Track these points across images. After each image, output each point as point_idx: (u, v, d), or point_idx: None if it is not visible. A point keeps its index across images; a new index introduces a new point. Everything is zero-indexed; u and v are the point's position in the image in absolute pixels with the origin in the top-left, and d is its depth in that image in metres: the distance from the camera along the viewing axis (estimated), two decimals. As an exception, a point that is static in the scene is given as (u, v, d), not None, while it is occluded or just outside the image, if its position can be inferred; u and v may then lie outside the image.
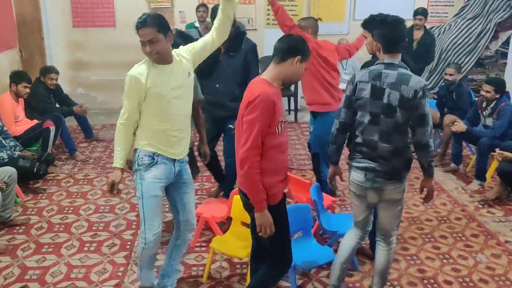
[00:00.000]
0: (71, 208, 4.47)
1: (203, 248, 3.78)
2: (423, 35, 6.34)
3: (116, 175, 2.84)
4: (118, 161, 2.82)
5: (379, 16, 2.84)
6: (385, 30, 2.75)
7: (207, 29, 6.64)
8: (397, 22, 2.75)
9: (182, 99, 2.84)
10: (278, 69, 2.54)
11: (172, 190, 3.00)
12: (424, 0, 8.06)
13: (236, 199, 3.48)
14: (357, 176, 2.84)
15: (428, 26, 8.03)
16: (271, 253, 2.70)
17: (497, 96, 4.87)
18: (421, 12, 6.39)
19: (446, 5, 8.20)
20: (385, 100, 2.68)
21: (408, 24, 6.51)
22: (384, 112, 2.70)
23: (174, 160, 2.89)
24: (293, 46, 2.52)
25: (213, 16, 3.50)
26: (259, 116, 2.39)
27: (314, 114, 4.42)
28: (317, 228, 3.69)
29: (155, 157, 2.82)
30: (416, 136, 2.71)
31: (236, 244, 3.35)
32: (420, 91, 2.62)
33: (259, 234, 2.54)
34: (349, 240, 3.05)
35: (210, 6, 7.20)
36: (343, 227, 3.38)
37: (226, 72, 3.96)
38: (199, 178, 4.96)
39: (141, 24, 2.67)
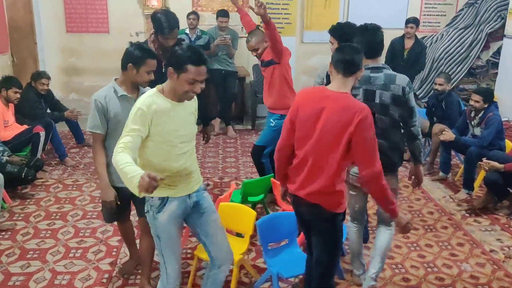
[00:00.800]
0: (59, 214, 4.47)
1: (188, 255, 3.78)
2: (413, 43, 6.44)
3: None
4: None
5: (349, 25, 3.08)
6: (367, 37, 2.92)
7: (197, 36, 6.72)
8: (377, 29, 3.00)
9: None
10: (349, 82, 2.53)
11: (193, 223, 2.76)
12: (417, 9, 8.12)
13: (222, 207, 3.49)
14: (356, 169, 2.91)
15: (420, 36, 8.11)
16: (330, 263, 2.69)
17: (486, 105, 4.90)
18: (412, 21, 6.47)
19: (438, 15, 8.25)
20: (377, 100, 2.92)
21: (400, 33, 6.65)
22: (378, 111, 2.91)
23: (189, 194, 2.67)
24: (359, 59, 2.53)
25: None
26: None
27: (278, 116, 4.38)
28: (303, 237, 3.69)
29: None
30: (408, 128, 2.99)
31: (221, 252, 3.36)
32: (407, 86, 2.91)
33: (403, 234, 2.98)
34: (354, 234, 3.35)
35: (201, 13, 7.37)
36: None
37: None
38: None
39: (202, 62, 2.40)
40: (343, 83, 2.51)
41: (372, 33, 2.97)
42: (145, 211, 2.65)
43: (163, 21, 3.65)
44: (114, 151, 2.28)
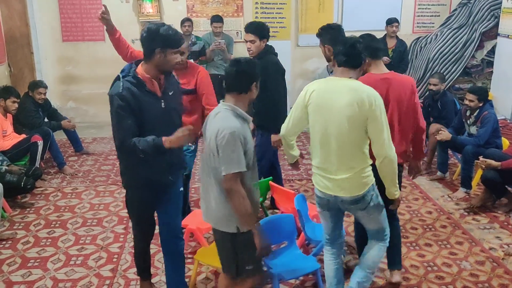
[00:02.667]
0: (59, 222, 4.48)
1: (188, 260, 3.77)
2: (396, 43, 6.65)
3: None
4: None
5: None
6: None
7: (192, 42, 6.73)
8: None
9: None
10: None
11: None
12: (410, 10, 8.18)
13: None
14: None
15: (414, 36, 8.20)
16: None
17: (480, 104, 4.93)
18: (396, 20, 6.75)
19: (432, 16, 8.31)
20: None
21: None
22: None
23: None
24: None
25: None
26: None
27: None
28: (302, 239, 3.71)
29: None
30: None
31: (221, 255, 3.37)
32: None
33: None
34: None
35: (195, 20, 7.42)
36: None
37: None
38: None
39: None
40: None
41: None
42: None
43: (171, 32, 2.76)
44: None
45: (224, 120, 2.46)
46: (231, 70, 2.53)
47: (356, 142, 2.68)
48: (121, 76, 2.70)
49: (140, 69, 2.73)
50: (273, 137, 4.12)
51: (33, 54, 7.26)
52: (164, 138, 2.60)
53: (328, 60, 3.76)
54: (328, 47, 3.63)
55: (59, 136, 6.23)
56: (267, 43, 4.15)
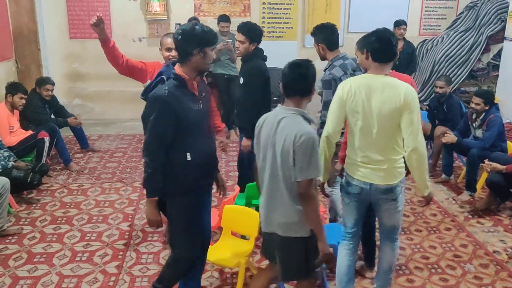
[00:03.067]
0: (64, 218, 4.50)
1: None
2: (404, 44, 6.64)
3: None
4: None
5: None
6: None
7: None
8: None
9: None
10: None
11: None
12: (417, 13, 8.19)
13: (227, 209, 3.53)
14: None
15: (421, 39, 8.20)
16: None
17: (486, 108, 4.94)
18: (403, 22, 6.73)
19: (439, 18, 8.31)
20: None
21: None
22: None
23: None
24: None
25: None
26: None
27: None
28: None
29: None
30: None
31: (227, 254, 3.38)
32: None
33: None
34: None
35: (202, 19, 7.44)
36: (333, 237, 3.41)
37: None
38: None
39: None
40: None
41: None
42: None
43: (206, 30, 2.68)
44: None
45: (299, 125, 2.42)
46: (293, 73, 2.48)
47: (394, 134, 2.79)
48: (165, 78, 2.61)
49: (180, 71, 2.67)
50: (244, 141, 4.16)
51: (40, 50, 7.29)
52: (150, 201, 2.66)
53: (323, 58, 3.83)
54: (322, 46, 3.74)
55: (65, 133, 6.26)
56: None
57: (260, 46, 4.26)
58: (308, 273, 2.60)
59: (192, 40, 2.60)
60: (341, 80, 3.31)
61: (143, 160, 2.66)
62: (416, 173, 2.82)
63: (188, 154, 2.66)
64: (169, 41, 3.39)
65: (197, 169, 2.72)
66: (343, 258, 3.07)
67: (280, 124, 2.46)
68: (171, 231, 2.91)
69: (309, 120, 2.50)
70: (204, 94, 2.81)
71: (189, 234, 2.84)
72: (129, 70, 3.59)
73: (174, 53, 3.33)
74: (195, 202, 2.82)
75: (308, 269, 2.57)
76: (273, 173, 2.50)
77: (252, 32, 4.11)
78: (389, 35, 2.84)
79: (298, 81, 2.48)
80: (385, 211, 2.95)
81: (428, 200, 2.97)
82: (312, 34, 3.84)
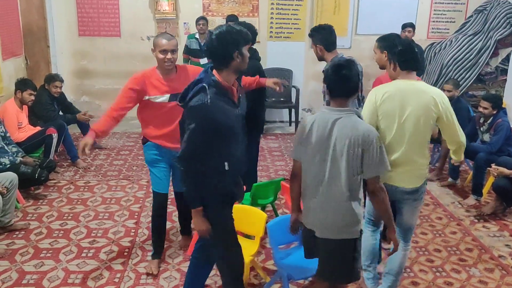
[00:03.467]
0: (71, 215, 4.53)
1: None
2: None
3: None
4: None
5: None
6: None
7: (207, 41, 6.74)
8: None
9: None
10: None
11: None
12: (426, 15, 8.17)
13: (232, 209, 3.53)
14: None
15: (429, 42, 8.18)
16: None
17: (494, 112, 4.92)
18: (410, 25, 6.80)
19: (448, 21, 8.28)
20: None
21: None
22: None
23: None
24: None
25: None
26: None
27: None
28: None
29: None
30: None
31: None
32: None
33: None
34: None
35: (211, 18, 7.46)
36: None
37: None
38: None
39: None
40: None
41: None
42: None
43: (239, 29, 2.57)
44: None
45: (360, 124, 2.45)
46: (337, 76, 2.47)
47: (424, 139, 2.94)
48: (206, 86, 2.45)
49: (219, 77, 2.52)
50: None
51: (49, 47, 7.33)
52: (195, 212, 2.60)
53: (321, 59, 3.86)
54: (319, 47, 3.79)
55: (72, 130, 6.30)
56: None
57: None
58: (354, 275, 2.64)
59: (232, 42, 2.47)
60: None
61: (180, 168, 2.57)
62: (459, 154, 3.16)
63: (226, 163, 2.59)
64: (165, 42, 3.23)
65: (232, 178, 2.69)
66: (367, 238, 3.24)
67: (335, 125, 2.45)
68: (213, 239, 2.75)
69: (362, 119, 2.54)
70: (240, 97, 2.71)
71: (233, 246, 2.82)
72: (128, 109, 3.39)
73: (170, 55, 3.24)
74: (230, 213, 2.78)
75: (355, 270, 2.62)
76: (332, 175, 2.48)
77: None
78: (413, 45, 3.07)
79: (343, 83, 2.47)
80: (407, 211, 3.05)
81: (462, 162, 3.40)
82: (310, 35, 3.90)
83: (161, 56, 3.26)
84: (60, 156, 6.02)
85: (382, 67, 3.44)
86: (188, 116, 2.51)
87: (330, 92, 2.52)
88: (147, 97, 3.33)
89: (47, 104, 5.77)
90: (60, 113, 6.08)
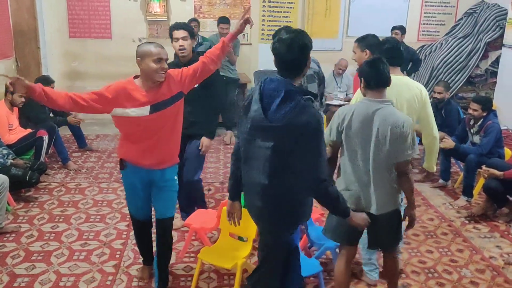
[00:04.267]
0: (62, 217, 4.50)
1: (191, 259, 3.81)
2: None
3: None
4: None
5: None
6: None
7: (198, 43, 6.75)
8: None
9: None
10: None
11: None
12: (416, 18, 8.24)
13: (225, 211, 3.53)
14: None
15: (419, 44, 8.25)
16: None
17: (484, 114, 4.97)
18: (398, 28, 6.89)
19: (438, 24, 8.36)
20: None
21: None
22: None
23: None
24: None
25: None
26: None
27: None
28: (305, 241, 3.74)
29: None
30: None
31: (225, 255, 3.39)
32: None
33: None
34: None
35: (202, 20, 7.46)
36: (330, 240, 3.42)
37: None
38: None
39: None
40: None
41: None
42: None
43: (306, 36, 2.45)
44: None
45: (397, 113, 2.76)
46: (372, 70, 2.78)
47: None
48: (311, 98, 2.31)
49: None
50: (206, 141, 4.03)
51: (40, 49, 7.28)
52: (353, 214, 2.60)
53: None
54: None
55: (63, 132, 6.26)
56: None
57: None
58: (398, 242, 3.04)
59: (303, 52, 2.35)
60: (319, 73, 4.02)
61: (326, 190, 2.37)
62: (433, 156, 3.45)
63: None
64: (159, 50, 2.92)
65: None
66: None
67: (376, 115, 2.73)
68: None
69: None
70: None
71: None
72: (86, 102, 3.10)
73: (165, 64, 2.95)
74: None
75: (400, 237, 3.02)
76: (376, 160, 2.75)
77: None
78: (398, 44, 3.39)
79: (378, 76, 2.77)
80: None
81: (430, 176, 3.77)
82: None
83: (154, 66, 2.90)
84: (51, 158, 5.98)
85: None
86: (310, 134, 2.26)
87: (367, 85, 2.80)
88: (119, 109, 2.98)
89: (38, 106, 5.70)
90: (51, 115, 6.04)
